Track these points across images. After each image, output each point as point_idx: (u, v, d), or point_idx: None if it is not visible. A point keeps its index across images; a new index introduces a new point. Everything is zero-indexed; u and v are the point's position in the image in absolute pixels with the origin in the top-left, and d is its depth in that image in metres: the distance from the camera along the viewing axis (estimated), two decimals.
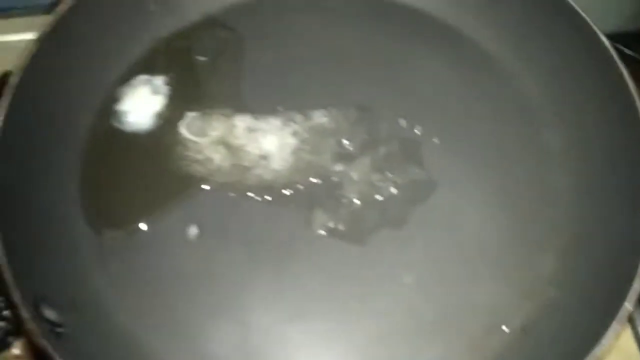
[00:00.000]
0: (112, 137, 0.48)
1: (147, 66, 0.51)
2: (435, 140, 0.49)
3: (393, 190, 0.47)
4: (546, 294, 0.44)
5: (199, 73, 0.51)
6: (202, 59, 0.52)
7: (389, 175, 0.47)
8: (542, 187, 0.48)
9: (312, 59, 0.52)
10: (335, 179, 0.47)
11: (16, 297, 0.36)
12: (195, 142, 0.48)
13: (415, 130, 0.49)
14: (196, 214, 0.45)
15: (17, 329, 0.43)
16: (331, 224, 0.45)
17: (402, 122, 0.49)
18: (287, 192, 0.46)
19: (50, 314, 0.38)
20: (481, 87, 0.51)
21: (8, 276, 0.36)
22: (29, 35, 0.54)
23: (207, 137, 0.48)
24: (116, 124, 0.49)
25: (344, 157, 0.48)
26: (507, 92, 0.51)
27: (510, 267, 0.45)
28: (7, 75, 0.50)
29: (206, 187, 0.46)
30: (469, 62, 0.52)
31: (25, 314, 0.35)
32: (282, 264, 0.44)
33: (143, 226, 0.44)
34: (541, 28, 0.50)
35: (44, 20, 0.50)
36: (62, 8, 0.46)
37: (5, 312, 0.45)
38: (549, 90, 0.50)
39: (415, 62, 0.52)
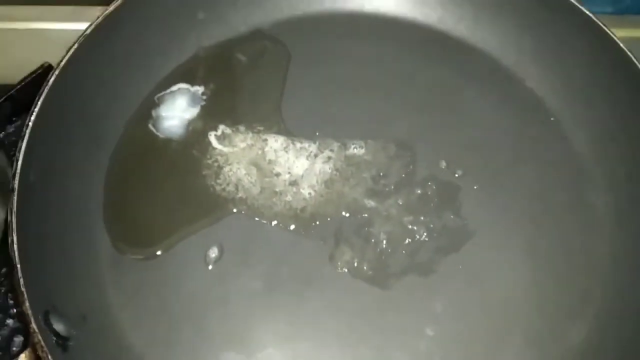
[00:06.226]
0: (143, 144, 0.47)
1: (188, 74, 0.50)
2: (476, 187, 0.46)
3: (424, 235, 0.45)
4: None
5: (238, 86, 0.50)
6: (243, 72, 0.50)
7: (422, 218, 0.45)
8: (580, 252, 0.45)
9: (357, 86, 0.50)
10: (365, 215, 0.45)
11: (25, 306, 0.34)
12: (224, 158, 0.47)
13: (456, 174, 0.47)
14: (218, 236, 0.44)
15: (25, 330, 0.43)
16: (355, 263, 0.44)
17: (443, 164, 0.47)
18: (314, 223, 0.45)
19: (58, 325, 0.37)
20: (531, 138, 0.49)
21: (20, 282, 0.35)
22: (72, 25, 0.53)
23: (237, 154, 0.47)
24: (150, 129, 0.48)
25: (377, 193, 0.46)
26: (557, 146, 0.48)
27: (537, 333, 0.42)
28: (45, 67, 0.50)
29: (232, 208, 0.45)
30: (522, 109, 0.50)
31: (33, 325, 0.34)
32: (300, 299, 0.42)
33: (163, 246, 0.43)
34: (604, 89, 0.48)
35: (88, 12, 0.50)
36: (110, 6, 0.45)
37: (14, 310, 0.45)
38: (602, 152, 0.48)
39: (465, 101, 0.50)
